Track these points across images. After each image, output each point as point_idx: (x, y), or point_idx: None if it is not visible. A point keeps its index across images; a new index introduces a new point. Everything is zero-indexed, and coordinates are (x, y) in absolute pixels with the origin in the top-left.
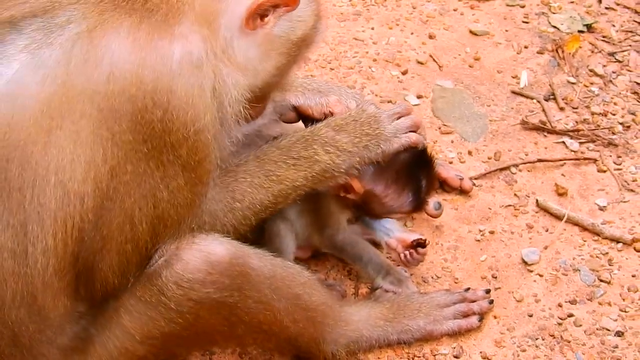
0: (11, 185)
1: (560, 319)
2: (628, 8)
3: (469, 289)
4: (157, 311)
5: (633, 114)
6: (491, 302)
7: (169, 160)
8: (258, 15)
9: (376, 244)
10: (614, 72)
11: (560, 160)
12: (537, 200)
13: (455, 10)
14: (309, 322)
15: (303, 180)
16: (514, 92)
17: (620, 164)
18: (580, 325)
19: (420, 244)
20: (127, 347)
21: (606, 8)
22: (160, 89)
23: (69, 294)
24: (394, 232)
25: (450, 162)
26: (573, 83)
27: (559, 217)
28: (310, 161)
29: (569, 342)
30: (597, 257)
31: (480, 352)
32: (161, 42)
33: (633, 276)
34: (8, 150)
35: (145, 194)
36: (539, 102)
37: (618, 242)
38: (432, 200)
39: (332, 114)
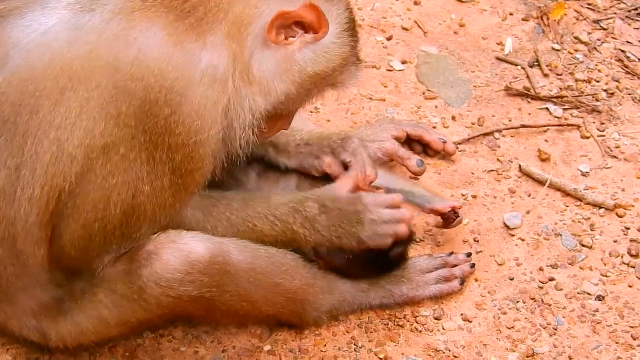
0: (17, 129)
1: (541, 282)
2: None
3: (452, 253)
4: (136, 304)
5: (617, 81)
6: (473, 265)
7: (161, 159)
8: (284, 30)
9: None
10: (598, 40)
11: (544, 126)
12: (519, 166)
13: None
14: (289, 302)
15: (273, 239)
16: (498, 59)
17: (603, 131)
18: (561, 289)
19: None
20: (99, 330)
21: None
22: (177, 89)
23: (47, 248)
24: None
25: (434, 127)
26: (557, 50)
27: (541, 182)
28: (286, 226)
29: (550, 305)
30: (578, 222)
31: (461, 314)
32: (191, 46)
33: (614, 241)
34: (24, 96)
35: (128, 180)
36: (523, 68)
37: (600, 207)
38: (415, 157)
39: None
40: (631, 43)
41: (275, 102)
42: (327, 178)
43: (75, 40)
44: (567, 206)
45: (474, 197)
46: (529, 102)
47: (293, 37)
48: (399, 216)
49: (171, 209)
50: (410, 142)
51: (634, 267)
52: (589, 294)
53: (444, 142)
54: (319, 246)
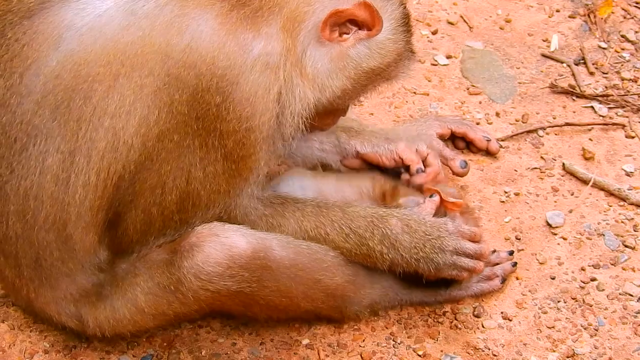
0: (71, 114)
1: (583, 282)
2: None
3: (494, 251)
4: (173, 296)
5: None
6: (514, 264)
7: (213, 145)
8: (337, 27)
9: None
10: None
11: (588, 124)
12: (563, 164)
13: None
14: (329, 297)
15: (345, 250)
16: (544, 55)
17: None
18: (603, 290)
19: None
20: (135, 319)
21: None
22: (229, 77)
23: (98, 233)
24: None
25: (478, 123)
26: (604, 48)
27: (585, 181)
28: (362, 241)
29: (591, 306)
30: (622, 222)
31: (502, 313)
32: (244, 35)
33: None
34: (77, 81)
35: (182, 167)
36: (568, 66)
37: None
38: (459, 159)
39: (401, 159)
40: None
41: (331, 97)
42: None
43: (128, 25)
44: (610, 206)
45: (517, 194)
46: (574, 100)
47: (347, 34)
48: (480, 252)
49: (225, 195)
50: (454, 138)
51: None
52: (631, 295)
53: (488, 140)
54: (395, 266)
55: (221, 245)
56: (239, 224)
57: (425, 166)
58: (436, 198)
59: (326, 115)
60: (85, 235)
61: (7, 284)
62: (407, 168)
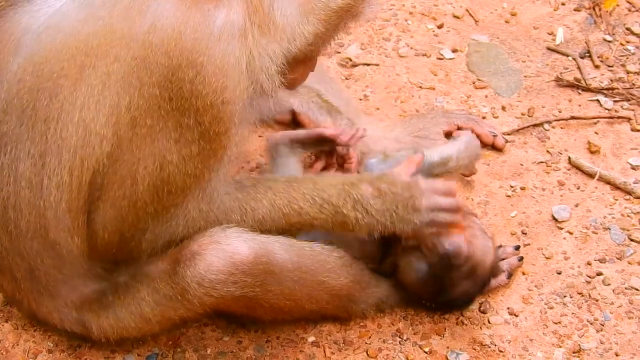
0: (37, 116)
1: (589, 277)
2: None
3: (500, 246)
4: (178, 304)
5: None
6: (521, 259)
7: (189, 125)
8: None
9: None
10: None
11: (594, 118)
12: (569, 158)
13: None
14: (334, 298)
15: (322, 222)
16: (549, 49)
17: None
18: (609, 284)
19: None
20: (141, 326)
21: None
22: (198, 50)
23: (82, 236)
24: None
25: (484, 117)
26: (609, 41)
27: (590, 175)
28: (336, 209)
29: (597, 300)
30: (628, 216)
31: (508, 308)
32: (206, 6)
33: None
34: (40, 80)
35: (155, 152)
36: (574, 59)
37: None
38: None
39: (323, 136)
40: None
41: (303, 45)
42: None
43: (87, 17)
44: (616, 200)
45: (523, 189)
46: (579, 93)
47: None
48: (456, 205)
49: (200, 179)
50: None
51: None
52: (637, 290)
53: (495, 135)
54: (373, 231)
55: (223, 253)
56: (215, 217)
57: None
58: (416, 156)
59: (296, 68)
60: (70, 240)
61: (9, 298)
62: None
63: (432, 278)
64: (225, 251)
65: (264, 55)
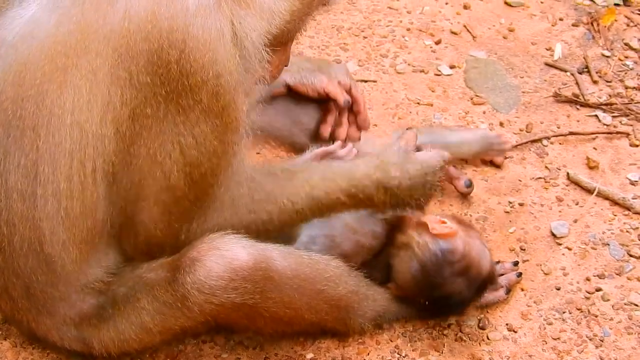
0: (25, 124)
1: (588, 293)
2: None
3: (498, 261)
4: (179, 312)
5: None
6: (519, 275)
7: (189, 105)
8: None
9: None
10: None
11: (592, 133)
12: (567, 173)
13: None
14: (333, 309)
15: (353, 208)
16: (547, 64)
17: None
18: (608, 300)
19: None
20: (142, 337)
21: None
22: (176, 28)
23: (81, 246)
24: None
25: None
26: (607, 56)
27: (589, 191)
28: (370, 199)
29: (596, 316)
30: (627, 231)
31: (507, 324)
32: None
33: None
34: (24, 89)
35: (170, 139)
36: (572, 74)
37: None
38: (464, 178)
39: (327, 94)
40: None
41: (280, 24)
42: None
43: (59, 19)
44: (615, 215)
45: (521, 205)
46: (577, 109)
47: None
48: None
49: (226, 153)
50: None
51: None
52: (636, 305)
53: None
54: (395, 209)
55: (222, 259)
56: (252, 196)
57: (351, 97)
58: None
59: (276, 52)
60: (65, 252)
61: (8, 318)
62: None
63: (424, 274)
64: (225, 257)
65: (245, 25)
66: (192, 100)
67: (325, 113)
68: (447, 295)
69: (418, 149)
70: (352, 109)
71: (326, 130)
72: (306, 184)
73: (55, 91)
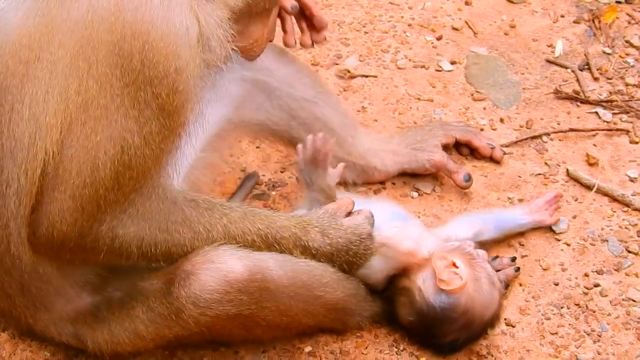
0: None
1: (587, 288)
2: None
3: (496, 257)
4: (173, 323)
5: None
6: (517, 270)
7: (146, 100)
8: None
9: None
10: None
11: (593, 130)
12: (567, 170)
13: None
14: (330, 312)
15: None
16: (548, 61)
17: None
18: (606, 296)
19: None
20: (135, 342)
21: None
22: (140, 19)
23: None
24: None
25: (482, 129)
26: (608, 54)
27: (589, 187)
28: (286, 251)
29: (594, 312)
30: (626, 228)
31: (505, 319)
32: None
33: None
34: None
35: (115, 135)
36: (573, 71)
37: None
38: (463, 172)
39: None
40: None
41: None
42: None
43: (26, 13)
44: (614, 212)
45: (521, 200)
46: (578, 105)
47: None
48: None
49: (160, 159)
50: (457, 145)
51: None
52: (634, 301)
53: (492, 148)
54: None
55: (217, 272)
56: (163, 216)
57: (298, 3)
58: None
59: (249, 29)
60: (29, 251)
61: (7, 318)
62: None
63: (422, 324)
64: (220, 270)
65: (210, 21)
66: (152, 94)
67: (281, 23)
68: (444, 341)
69: (349, 214)
70: (305, 14)
71: (290, 40)
72: (225, 217)
73: (16, 86)
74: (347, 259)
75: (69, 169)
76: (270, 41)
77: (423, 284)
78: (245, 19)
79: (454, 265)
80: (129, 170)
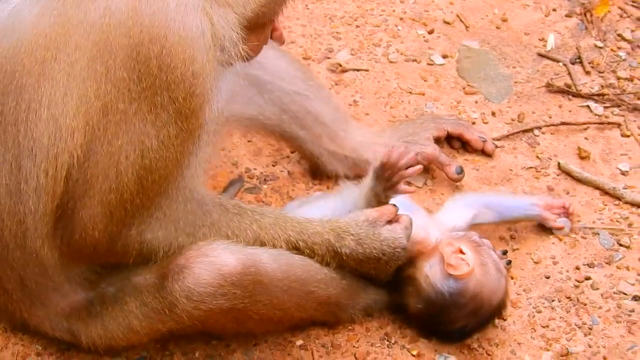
0: (7, 119)
1: (578, 281)
2: None
3: None
4: (167, 317)
5: None
6: (509, 263)
7: (163, 104)
8: None
9: None
10: None
11: (584, 123)
12: (559, 163)
13: None
14: (322, 306)
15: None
16: (540, 55)
17: None
18: (597, 289)
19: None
20: (129, 337)
21: None
22: (158, 24)
23: (56, 243)
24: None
25: (473, 123)
26: (600, 47)
27: (580, 181)
28: (317, 258)
29: (585, 305)
30: (617, 221)
31: None
32: None
33: None
34: (4, 83)
35: (134, 139)
36: (565, 65)
37: (639, 207)
38: (455, 165)
39: None
40: None
41: (256, 7)
42: None
43: (41, 12)
44: (605, 205)
45: (512, 194)
46: (569, 99)
47: None
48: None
49: (181, 162)
50: (449, 138)
51: None
52: (625, 294)
53: (484, 141)
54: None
55: (211, 265)
56: (191, 219)
57: None
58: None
59: (255, 33)
60: (47, 246)
61: (1, 312)
62: None
63: (429, 312)
64: (214, 263)
65: (223, 23)
66: (168, 98)
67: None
68: (452, 329)
69: (389, 222)
70: None
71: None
72: (255, 224)
73: (32, 84)
74: (376, 266)
75: (96, 174)
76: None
77: (430, 271)
78: (250, 26)
79: (461, 251)
80: (150, 174)
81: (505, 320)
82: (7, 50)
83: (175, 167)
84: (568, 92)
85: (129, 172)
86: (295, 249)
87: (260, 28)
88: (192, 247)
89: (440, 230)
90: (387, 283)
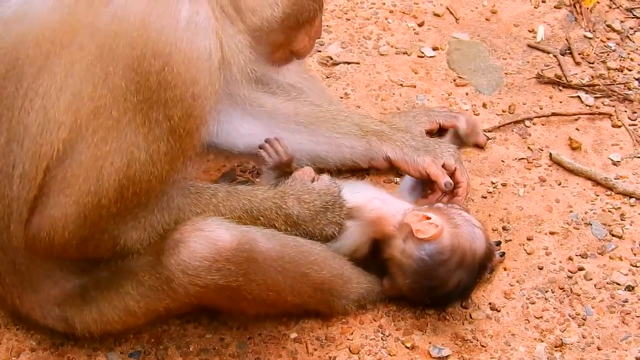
0: (4, 103)
1: (571, 272)
2: None
3: None
4: (164, 294)
5: None
6: (502, 255)
7: (157, 120)
8: None
9: None
10: (631, 28)
11: (575, 114)
12: (550, 154)
13: None
14: (316, 291)
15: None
16: (530, 46)
17: (635, 120)
18: (591, 279)
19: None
20: (126, 320)
21: None
22: (164, 40)
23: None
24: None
25: None
26: (590, 38)
27: (572, 171)
28: (269, 222)
29: (579, 295)
30: (609, 211)
31: (490, 304)
32: None
33: None
34: (7, 68)
35: (123, 148)
36: (555, 56)
37: (631, 197)
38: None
39: (428, 174)
40: None
41: (273, 25)
42: None
43: (54, 6)
44: (597, 195)
45: (504, 185)
46: (560, 90)
47: None
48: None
49: (166, 180)
50: (441, 130)
51: None
52: (619, 284)
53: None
54: (309, 237)
55: (206, 240)
56: (169, 221)
57: (454, 181)
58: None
59: (274, 50)
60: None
61: None
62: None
63: (420, 281)
64: (209, 238)
65: (232, 46)
66: (164, 115)
67: (430, 193)
68: (448, 291)
69: (314, 179)
70: (452, 191)
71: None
72: (214, 198)
73: (33, 74)
74: (328, 219)
75: (77, 174)
76: None
77: (405, 245)
78: (292, 25)
79: (427, 217)
80: (133, 185)
81: (498, 311)
82: (16, 37)
83: (159, 184)
84: (558, 83)
85: (111, 179)
86: (251, 217)
87: (308, 24)
88: (188, 222)
89: (406, 206)
90: (375, 275)
